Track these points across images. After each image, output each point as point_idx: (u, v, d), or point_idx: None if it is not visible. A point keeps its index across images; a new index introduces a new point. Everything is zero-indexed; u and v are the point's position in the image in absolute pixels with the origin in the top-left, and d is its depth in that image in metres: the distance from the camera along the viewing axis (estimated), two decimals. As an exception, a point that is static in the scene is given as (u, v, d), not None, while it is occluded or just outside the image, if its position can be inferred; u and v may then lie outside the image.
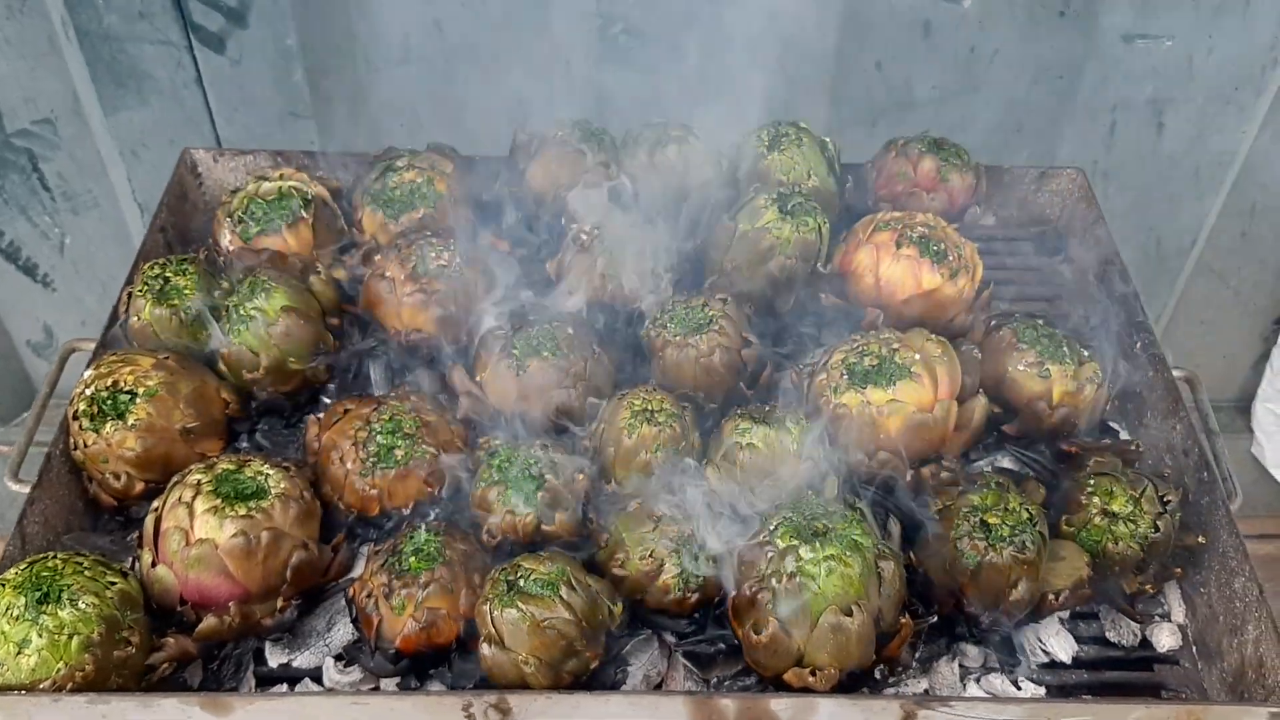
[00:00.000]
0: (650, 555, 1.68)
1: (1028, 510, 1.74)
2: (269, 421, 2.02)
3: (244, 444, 1.99)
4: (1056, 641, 1.82)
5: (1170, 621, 1.89)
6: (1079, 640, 1.84)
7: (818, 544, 1.60)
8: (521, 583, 1.61)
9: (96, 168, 3.06)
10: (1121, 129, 2.93)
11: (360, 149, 2.91)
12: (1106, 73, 2.82)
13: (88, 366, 1.93)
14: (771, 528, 1.65)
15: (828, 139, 2.32)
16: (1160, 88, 2.86)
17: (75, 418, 1.86)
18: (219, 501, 1.69)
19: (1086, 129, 2.94)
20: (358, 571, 1.80)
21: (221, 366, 1.96)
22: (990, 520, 1.72)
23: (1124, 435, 2.11)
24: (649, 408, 1.83)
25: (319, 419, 1.89)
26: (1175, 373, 2.12)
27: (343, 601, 1.77)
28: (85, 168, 3.06)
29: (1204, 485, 1.91)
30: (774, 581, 1.59)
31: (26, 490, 1.84)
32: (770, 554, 1.61)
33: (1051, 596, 1.74)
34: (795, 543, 1.61)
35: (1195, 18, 2.71)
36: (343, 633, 1.76)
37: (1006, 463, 2.01)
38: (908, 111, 2.88)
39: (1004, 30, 2.75)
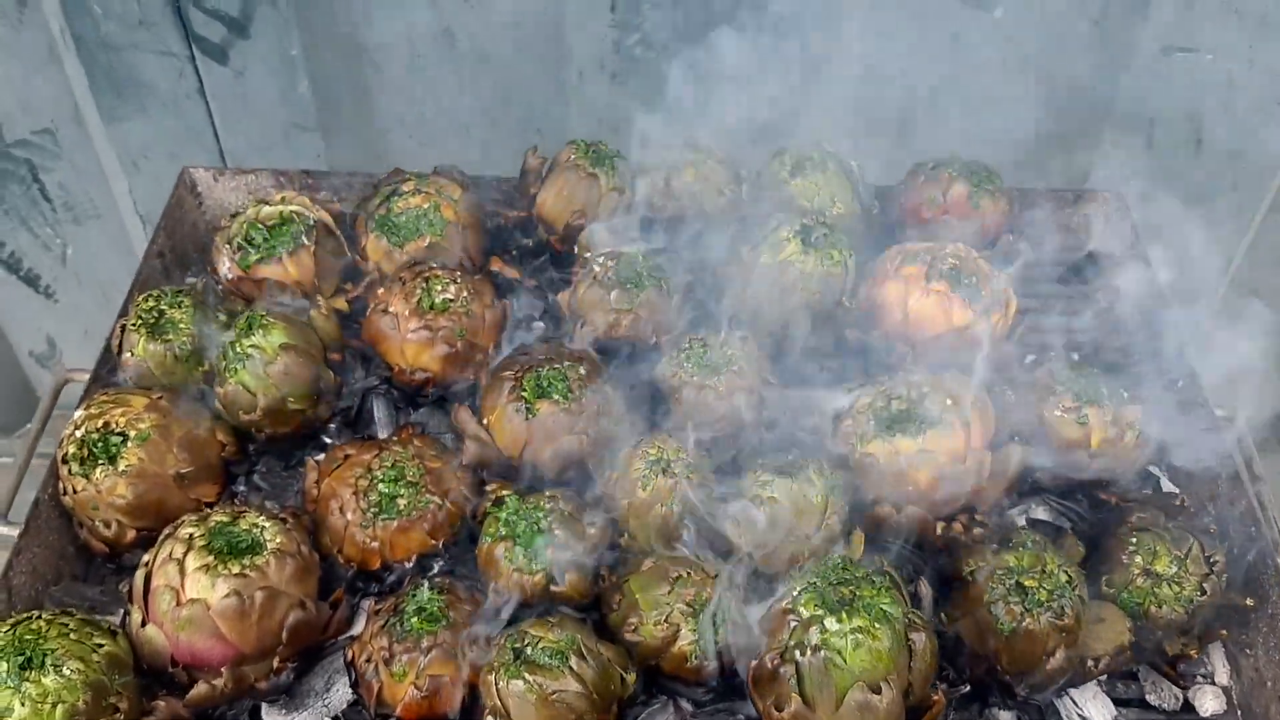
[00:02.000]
0: (666, 621, 1.59)
1: (1066, 573, 1.64)
2: (267, 462, 1.93)
3: (241, 486, 1.90)
4: (1094, 706, 1.73)
5: (1214, 684, 1.79)
6: (1117, 703, 1.74)
7: (844, 614, 1.50)
8: (529, 651, 1.52)
9: (98, 178, 2.98)
10: (1159, 143, 2.81)
11: (368, 162, 2.84)
12: (1143, 86, 2.69)
13: (78, 405, 1.85)
14: (795, 593, 1.55)
15: (854, 162, 2.21)
16: (1199, 101, 2.73)
17: (64, 461, 1.78)
18: (211, 558, 1.60)
19: (1122, 143, 2.82)
20: (358, 628, 1.72)
21: (218, 405, 1.87)
22: (1027, 583, 1.62)
23: (1164, 481, 2.01)
24: (665, 457, 1.73)
25: (318, 464, 1.80)
26: (1217, 412, 2.01)
27: (342, 661, 1.68)
28: (87, 178, 2.99)
29: (1251, 539, 1.80)
30: (797, 654, 1.49)
31: (15, 534, 1.76)
32: (793, 623, 1.52)
33: (1091, 663, 1.64)
34: (820, 612, 1.51)
35: (1238, 31, 2.58)
36: (342, 693, 1.68)
37: (1041, 512, 1.91)
38: (935, 124, 2.77)
39: (1034, 41, 2.63)
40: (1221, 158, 2.84)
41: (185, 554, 1.61)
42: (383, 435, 1.96)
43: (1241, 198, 2.92)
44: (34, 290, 3.30)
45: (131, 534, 1.78)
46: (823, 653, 1.48)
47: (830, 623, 1.50)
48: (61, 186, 3.01)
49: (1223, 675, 1.80)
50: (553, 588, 1.64)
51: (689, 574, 1.62)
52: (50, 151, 2.93)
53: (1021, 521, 1.90)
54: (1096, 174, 2.83)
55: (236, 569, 1.60)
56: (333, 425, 1.96)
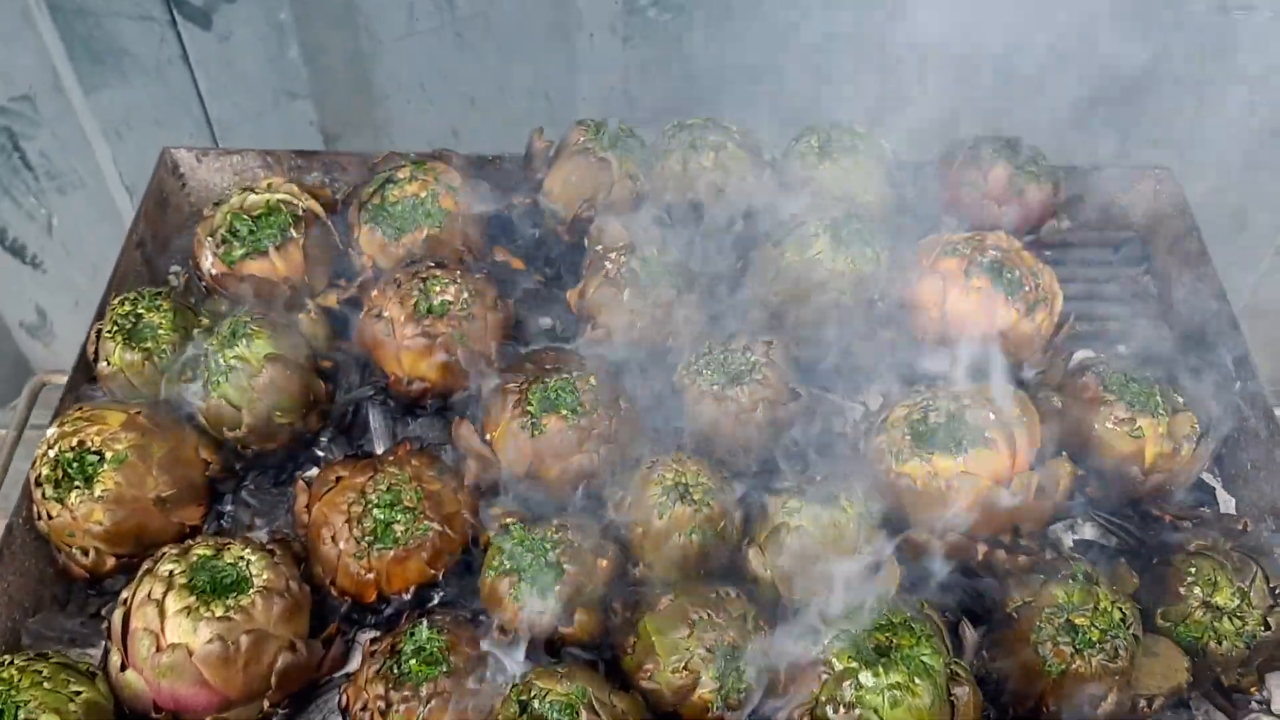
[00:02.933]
0: (685, 667, 1.46)
1: (1120, 609, 1.51)
2: (256, 478, 1.80)
3: (229, 505, 1.77)
4: (1145, 741, 1.60)
5: (1272, 715, 1.67)
6: (1169, 735, 1.62)
7: (880, 668, 1.37)
8: (536, 705, 1.40)
9: (81, 146, 2.83)
10: (1209, 104, 2.62)
11: (363, 132, 2.67)
12: (1197, 46, 2.50)
13: (51, 422, 1.72)
14: (826, 642, 1.42)
15: (885, 143, 2.03)
16: (1254, 61, 2.54)
17: (38, 483, 1.65)
18: (193, 599, 1.48)
19: (1171, 104, 2.62)
20: (354, 664, 1.60)
21: (201, 420, 1.74)
22: (1078, 621, 1.50)
23: (1220, 490, 1.86)
24: (682, 481, 1.59)
25: (308, 486, 1.67)
26: (1277, 411, 1.87)
27: (337, 703, 1.57)
28: (69, 147, 2.83)
29: (1316, 561, 1.67)
30: (829, 710, 1.37)
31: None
32: (825, 676, 1.39)
33: (1144, 704, 1.52)
34: (854, 665, 1.38)
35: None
36: (338, 734, 1.57)
37: (1088, 530, 1.77)
38: (973, 84, 2.58)
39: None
40: (1275, 118, 2.65)
41: (165, 594, 1.49)
42: (379, 446, 1.83)
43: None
44: (21, 261, 3.16)
45: (112, 561, 1.67)
46: (857, 710, 1.36)
47: (866, 677, 1.37)
48: (43, 155, 2.85)
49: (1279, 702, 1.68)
50: (561, 629, 1.52)
51: (710, 615, 1.48)
52: (30, 119, 2.77)
53: (1068, 540, 1.76)
54: (1144, 143, 2.65)
55: (220, 611, 1.48)
56: (325, 436, 1.82)
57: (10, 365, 3.47)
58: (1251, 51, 2.49)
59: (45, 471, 1.65)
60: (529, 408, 1.67)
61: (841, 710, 1.36)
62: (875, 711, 1.35)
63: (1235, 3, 2.41)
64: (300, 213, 1.94)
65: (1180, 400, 1.76)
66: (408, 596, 1.61)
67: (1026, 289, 1.82)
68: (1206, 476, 1.87)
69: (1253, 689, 1.60)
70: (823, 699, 1.38)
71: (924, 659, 1.39)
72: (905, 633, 1.42)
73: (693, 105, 2.17)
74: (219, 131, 2.70)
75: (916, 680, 1.37)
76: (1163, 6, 2.44)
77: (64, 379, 1.89)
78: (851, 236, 1.82)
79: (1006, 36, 2.30)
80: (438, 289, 1.79)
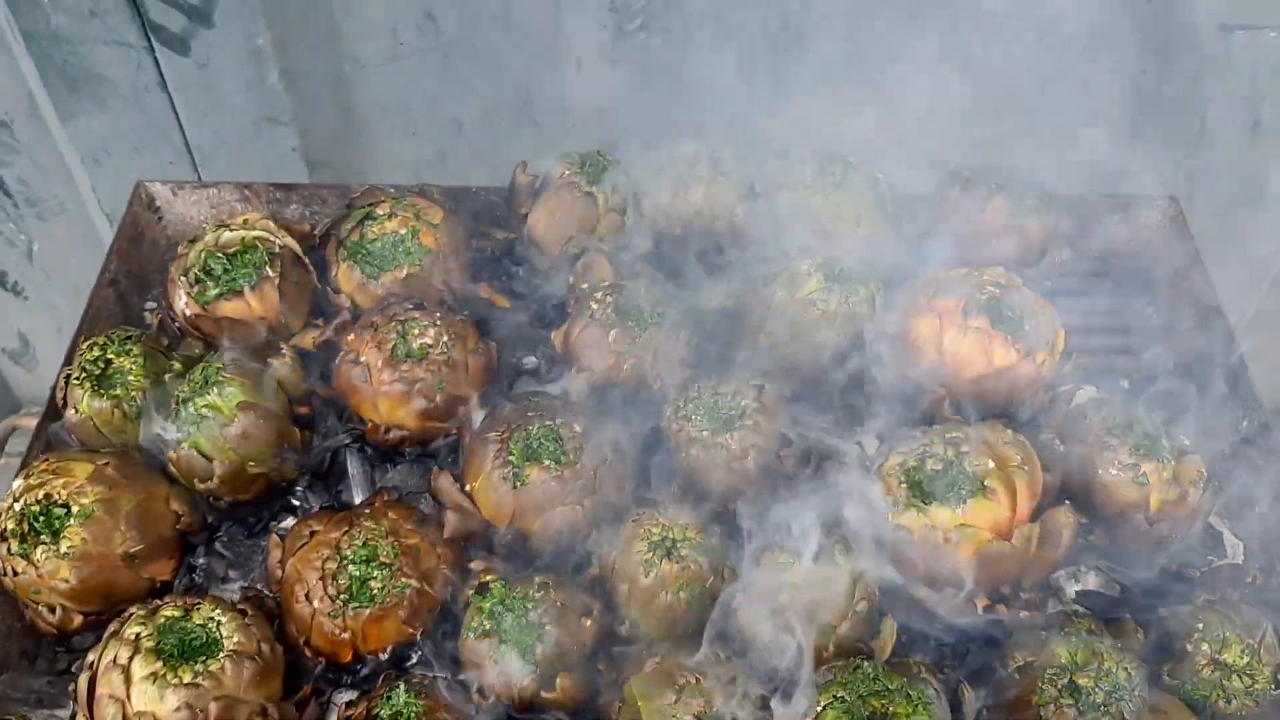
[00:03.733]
0: (672, 735, 1.40)
1: (1125, 668, 1.45)
2: (229, 529, 1.74)
3: (201, 558, 1.71)
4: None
5: (1283, 775, 1.61)
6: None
7: (875, 738, 1.31)
8: (516, 775, 1.34)
9: (61, 173, 2.78)
10: (1212, 128, 2.56)
11: (347, 157, 2.61)
12: (1198, 67, 2.44)
13: (17, 474, 1.66)
14: (819, 709, 1.36)
15: (879, 175, 1.97)
16: (1258, 83, 2.48)
17: (3, 539, 1.59)
18: (160, 664, 1.43)
19: (1172, 127, 2.57)
20: (329, 728, 1.54)
21: (172, 469, 1.68)
22: (1081, 682, 1.44)
23: (1226, 535, 1.80)
24: (669, 537, 1.53)
25: (281, 540, 1.61)
26: (1284, 448, 1.81)
27: (311, 768, 1.51)
28: (49, 173, 2.79)
29: (1329, 611, 1.61)
30: (822, 784, 1.31)
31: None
32: (817, 747, 1.33)
33: (1150, 766, 1.46)
34: (848, 735, 1.32)
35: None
36: (313, 802, 1.51)
37: (1091, 579, 1.71)
38: (973, 109, 2.52)
39: (1084, 19, 2.38)
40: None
41: (131, 659, 1.44)
42: (357, 495, 1.77)
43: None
44: (3, 288, 3.12)
45: (79, 619, 1.61)
46: (851, 784, 1.30)
47: (860, 749, 1.31)
48: (22, 181, 2.80)
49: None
50: (543, 693, 1.46)
51: (698, 680, 1.42)
52: (8, 145, 2.72)
53: (1071, 589, 1.70)
54: (1146, 166, 2.59)
55: (188, 677, 1.42)
56: (300, 485, 1.76)
57: (-7, 391, 3.42)
58: (1250, 71, 2.44)
59: (10, 526, 1.59)
60: (510, 458, 1.61)
61: (835, 784, 1.30)
62: (870, 786, 1.30)
63: (1238, 22, 2.36)
64: (277, 250, 1.88)
65: (1186, 442, 1.71)
66: (384, 656, 1.55)
67: (1027, 328, 1.76)
68: (1213, 519, 1.81)
69: (1263, 748, 1.54)
70: (816, 772, 1.32)
71: (921, 728, 1.33)
72: (902, 700, 1.36)
73: (682, 129, 2.11)
74: (199, 159, 2.65)
75: (913, 753, 1.31)
76: (1163, 32, 2.38)
77: (34, 423, 1.83)
78: (845, 275, 1.76)
79: (1006, 64, 2.26)
80: (416, 332, 1.73)
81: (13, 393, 3.47)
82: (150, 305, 2.09)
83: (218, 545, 1.73)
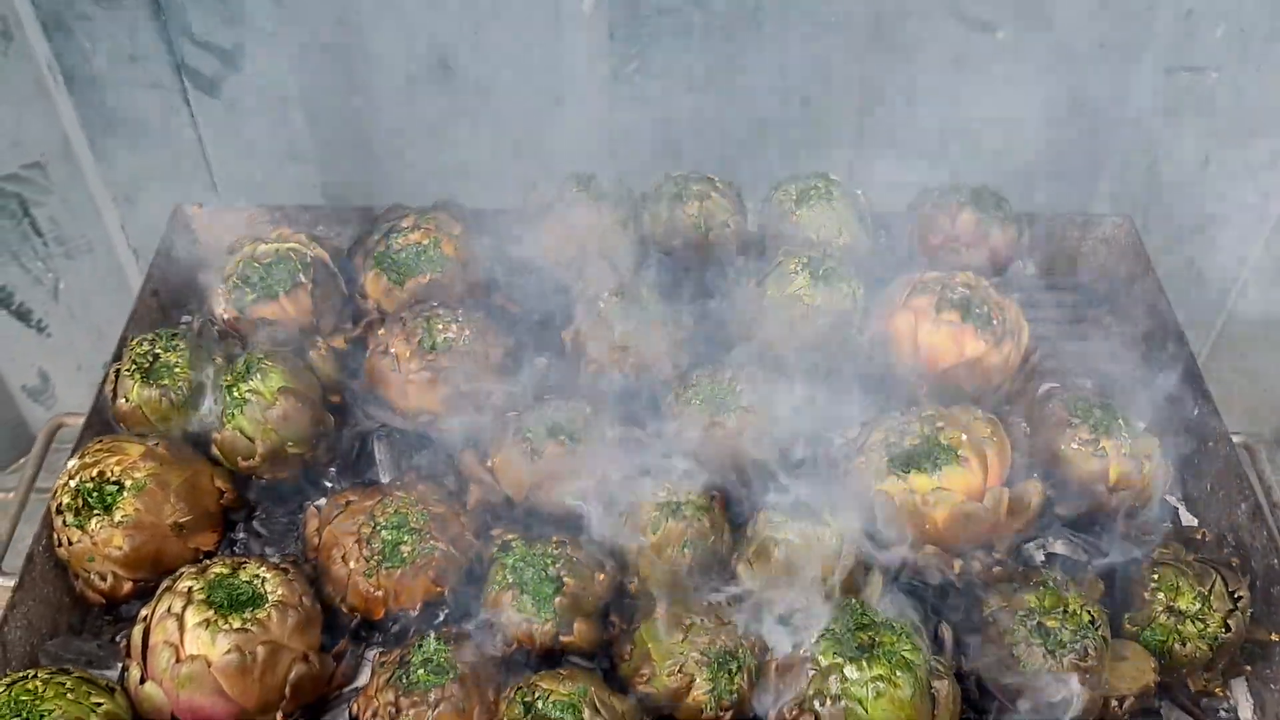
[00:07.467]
0: (680, 670, 1.54)
1: (1089, 612, 1.60)
2: (266, 508, 1.88)
3: (240, 533, 1.86)
4: (1118, 746, 1.68)
5: (1239, 720, 1.75)
6: (1141, 742, 1.70)
7: (864, 662, 1.46)
8: (539, 705, 1.47)
9: (89, 212, 2.94)
10: (1164, 163, 2.78)
11: (366, 194, 2.80)
12: (1147, 106, 2.67)
13: (71, 455, 1.80)
14: (813, 640, 1.51)
15: (859, 191, 2.17)
16: (1205, 121, 2.71)
17: (59, 512, 1.73)
18: (211, 613, 1.56)
19: (1127, 163, 2.79)
20: (363, 679, 1.67)
21: (215, 451, 1.83)
22: (1049, 624, 1.58)
23: (1182, 510, 1.97)
24: (674, 500, 1.69)
25: (319, 511, 1.76)
26: (1234, 437, 1.98)
27: (347, 715, 1.63)
28: (78, 212, 2.94)
29: (1273, 572, 1.76)
30: (816, 704, 1.45)
31: (10, 584, 1.72)
32: (812, 672, 1.48)
33: (1115, 704, 1.60)
34: (839, 660, 1.47)
35: (1242, 47, 2.56)
36: (348, 747, 1.63)
37: (1059, 546, 1.87)
38: (939, 147, 2.74)
39: (1039, 62, 2.61)
40: (1227, 176, 2.81)
41: (184, 608, 1.57)
42: (385, 478, 1.92)
43: (1247, 215, 2.89)
44: (26, 325, 3.25)
45: (129, 585, 1.74)
46: (843, 702, 1.44)
47: (850, 671, 1.46)
48: (52, 220, 2.96)
49: (1246, 710, 1.76)
50: (561, 637, 1.60)
51: (703, 621, 1.57)
52: (40, 186, 2.88)
53: (1039, 556, 1.86)
54: (1105, 196, 2.80)
55: (238, 623, 1.56)
56: (333, 469, 1.91)
57: (11, 429, 3.53)
58: (1196, 110, 2.66)
59: (66, 500, 1.73)
60: (528, 435, 1.77)
61: (829, 703, 1.44)
62: (860, 703, 1.44)
63: (1182, 64, 2.59)
64: (309, 260, 2.06)
65: (1141, 426, 1.88)
66: (415, 613, 1.69)
67: (994, 323, 1.94)
68: (1169, 498, 1.97)
69: (1218, 690, 1.69)
70: (810, 693, 1.46)
71: (905, 654, 1.48)
72: (887, 631, 1.51)
73: (679, 167, 2.31)
74: (226, 196, 2.82)
75: (898, 673, 1.45)
76: (1118, 67, 2.61)
77: (78, 420, 1.98)
78: (829, 273, 1.94)
79: (976, 96, 2.48)
80: (440, 327, 1.90)
81: (29, 429, 3.58)
82: (186, 319, 2.25)
83: (255, 524, 1.87)
